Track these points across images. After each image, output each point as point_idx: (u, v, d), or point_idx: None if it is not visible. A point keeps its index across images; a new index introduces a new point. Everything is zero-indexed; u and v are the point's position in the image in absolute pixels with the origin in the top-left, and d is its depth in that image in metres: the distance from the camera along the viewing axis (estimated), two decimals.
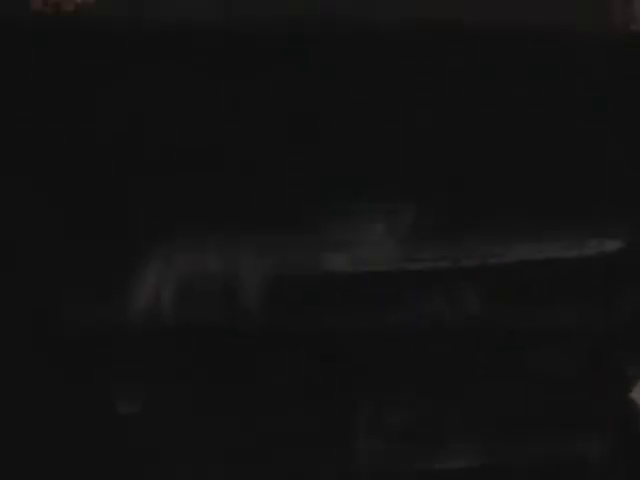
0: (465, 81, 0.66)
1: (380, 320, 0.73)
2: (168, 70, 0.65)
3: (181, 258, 0.68)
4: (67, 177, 0.67)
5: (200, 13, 0.67)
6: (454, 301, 0.75)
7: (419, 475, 0.77)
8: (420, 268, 0.71)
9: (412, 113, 0.67)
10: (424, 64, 0.66)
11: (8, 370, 0.67)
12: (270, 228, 0.69)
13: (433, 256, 0.71)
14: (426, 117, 0.67)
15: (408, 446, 0.77)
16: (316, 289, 0.71)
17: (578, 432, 0.81)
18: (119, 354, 0.69)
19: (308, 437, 0.75)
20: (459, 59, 0.65)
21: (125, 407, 0.70)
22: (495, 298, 0.76)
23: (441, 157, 0.68)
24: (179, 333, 0.69)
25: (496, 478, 0.79)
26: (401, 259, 0.71)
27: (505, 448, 0.80)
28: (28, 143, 0.67)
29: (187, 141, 0.66)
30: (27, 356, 0.68)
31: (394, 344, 0.75)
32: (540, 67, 0.66)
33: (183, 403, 0.72)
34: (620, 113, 0.70)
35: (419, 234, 0.70)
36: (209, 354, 0.71)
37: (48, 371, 0.68)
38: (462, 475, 0.79)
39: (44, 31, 0.67)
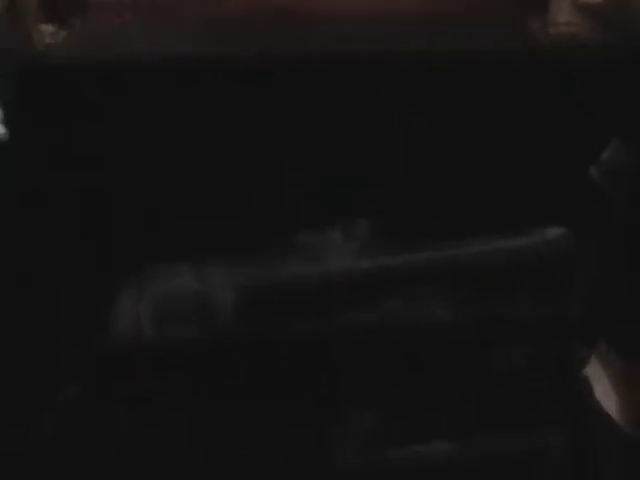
0: (408, 93, 0.69)
1: (347, 322, 0.77)
2: (139, 103, 0.67)
3: (157, 279, 0.71)
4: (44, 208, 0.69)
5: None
6: (415, 298, 0.79)
7: (389, 468, 0.81)
8: (380, 270, 0.76)
9: (362, 129, 0.70)
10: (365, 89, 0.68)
11: None
12: (238, 246, 0.72)
13: (392, 258, 0.75)
14: (374, 128, 0.70)
15: (380, 442, 0.80)
16: (286, 298, 0.75)
17: (535, 420, 0.84)
18: (105, 373, 0.72)
19: (286, 438, 0.78)
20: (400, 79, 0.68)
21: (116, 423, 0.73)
22: (452, 291, 0.79)
23: (391, 165, 0.72)
24: (160, 350, 0.72)
25: (462, 470, 0.82)
26: (362, 263, 0.75)
27: (469, 441, 0.83)
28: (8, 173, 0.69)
29: (159, 167, 0.69)
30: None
31: (363, 344, 0.78)
32: (470, 74, 0.68)
33: (167, 416, 0.75)
34: (559, 107, 0.73)
35: (377, 240, 0.74)
36: (189, 368, 0.74)
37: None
38: (430, 468, 0.81)
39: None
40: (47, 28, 0.71)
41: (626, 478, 0.96)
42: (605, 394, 1.00)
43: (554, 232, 0.80)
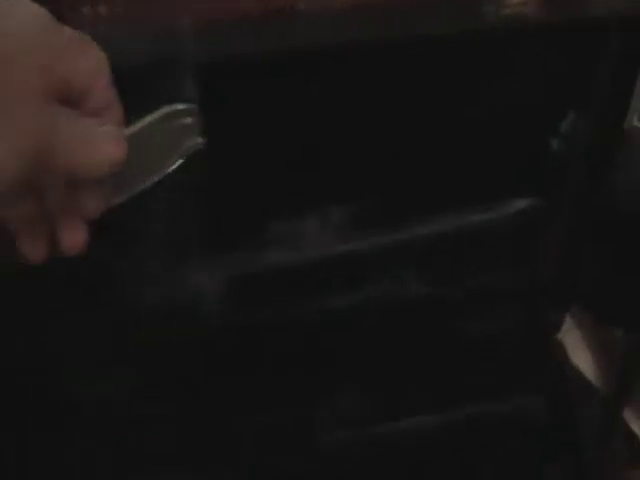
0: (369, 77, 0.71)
1: (328, 306, 0.80)
2: None
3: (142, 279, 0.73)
4: None
5: None
6: (391, 277, 0.81)
7: (375, 444, 0.84)
8: (356, 253, 0.79)
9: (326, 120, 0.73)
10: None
11: None
12: (215, 238, 0.74)
13: (366, 241, 0.78)
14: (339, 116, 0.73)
15: (365, 419, 0.84)
16: (266, 286, 0.77)
17: (512, 387, 0.88)
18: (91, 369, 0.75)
19: (272, 424, 0.81)
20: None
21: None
22: (426, 267, 0.82)
23: (360, 150, 0.74)
24: (145, 344, 0.75)
25: (445, 441, 0.85)
26: (337, 248, 0.78)
27: (450, 412, 0.86)
28: None
29: None
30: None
31: (344, 325, 0.82)
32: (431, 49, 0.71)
33: (156, 405, 0.78)
34: (517, 83, 0.75)
35: (351, 224, 0.77)
36: (175, 360, 0.77)
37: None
38: (414, 441, 0.85)
39: None
40: None
41: (602, 438, 0.99)
42: (580, 356, 1.03)
43: (521, 203, 0.83)
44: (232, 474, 0.79)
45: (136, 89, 0.53)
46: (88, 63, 0.49)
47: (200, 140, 0.54)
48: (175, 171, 0.56)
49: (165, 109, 0.52)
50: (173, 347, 0.76)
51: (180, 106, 0.52)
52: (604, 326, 1.00)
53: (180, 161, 0.54)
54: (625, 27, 0.70)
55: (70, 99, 0.48)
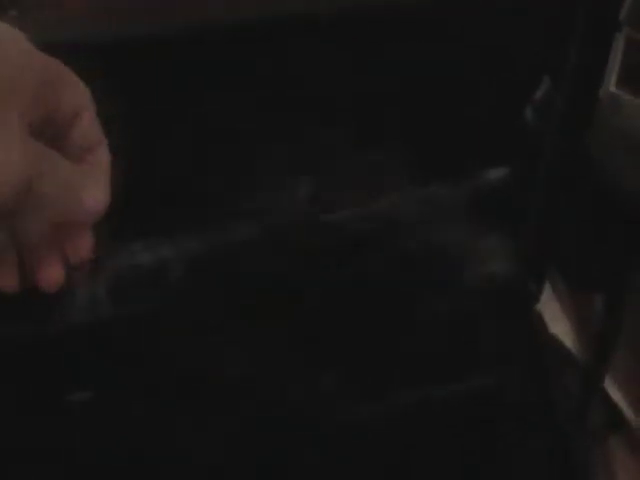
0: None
1: (306, 282, 0.78)
2: None
3: (107, 259, 0.72)
4: None
5: None
6: (368, 251, 0.80)
7: (355, 425, 0.82)
8: (329, 226, 0.77)
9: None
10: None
11: None
12: (186, 217, 0.73)
13: (335, 215, 0.77)
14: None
15: (344, 400, 0.81)
16: (239, 263, 0.76)
17: (491, 360, 0.85)
18: (60, 354, 0.72)
19: (242, 404, 0.79)
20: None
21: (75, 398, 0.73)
22: (400, 242, 0.81)
23: (328, 121, 0.73)
24: (117, 324, 0.72)
25: (425, 418, 0.84)
26: (309, 220, 0.77)
27: (425, 387, 0.84)
28: None
29: None
30: None
31: (325, 302, 0.79)
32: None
33: (131, 390, 0.75)
34: (491, 53, 0.74)
35: (321, 198, 0.76)
36: (147, 341, 0.74)
37: None
38: (394, 420, 0.83)
39: None
40: None
41: (582, 407, 0.99)
42: (559, 327, 1.03)
43: (494, 175, 0.81)
44: (206, 451, 0.78)
45: None
46: (72, 98, 0.48)
47: None
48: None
49: None
50: (138, 325, 0.74)
51: None
52: (583, 295, 1.00)
53: None
54: None
55: (54, 136, 0.46)
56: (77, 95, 0.49)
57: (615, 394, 1.03)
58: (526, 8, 0.70)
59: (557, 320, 1.01)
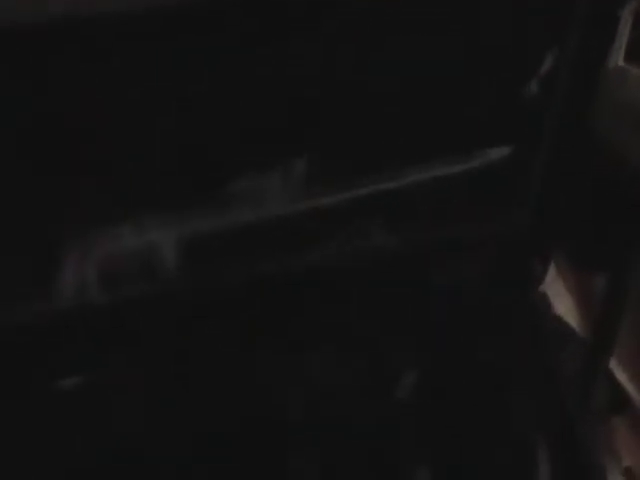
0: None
1: (295, 263, 0.77)
2: None
3: (96, 237, 0.70)
4: None
5: None
6: (360, 232, 0.78)
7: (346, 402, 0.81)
8: (321, 208, 0.75)
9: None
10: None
11: None
12: (175, 193, 0.71)
13: (333, 196, 0.75)
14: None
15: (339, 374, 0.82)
16: (230, 245, 0.74)
17: (496, 340, 0.85)
18: (53, 339, 0.71)
19: (238, 385, 0.78)
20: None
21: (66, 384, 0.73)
22: (397, 221, 0.79)
23: (322, 101, 0.71)
24: (108, 308, 0.72)
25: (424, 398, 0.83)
26: (301, 203, 0.75)
27: (426, 365, 0.84)
28: None
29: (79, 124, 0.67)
30: None
31: (313, 282, 0.78)
32: None
33: (121, 373, 0.75)
34: (492, 29, 0.72)
35: (314, 177, 0.74)
36: (139, 323, 0.73)
37: None
38: (389, 400, 0.82)
39: None
40: None
41: (586, 387, 0.98)
42: (563, 307, 1.01)
43: (498, 151, 0.79)
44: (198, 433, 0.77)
45: None
46: None
47: None
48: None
49: None
50: (131, 307, 0.73)
51: None
52: (586, 274, 0.98)
53: None
54: None
55: None
56: None
57: (619, 374, 1.01)
58: None
59: (561, 299, 0.99)
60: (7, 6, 0.56)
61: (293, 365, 0.79)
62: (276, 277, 0.76)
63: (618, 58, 0.84)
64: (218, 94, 0.67)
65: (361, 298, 0.80)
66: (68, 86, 0.62)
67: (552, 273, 0.93)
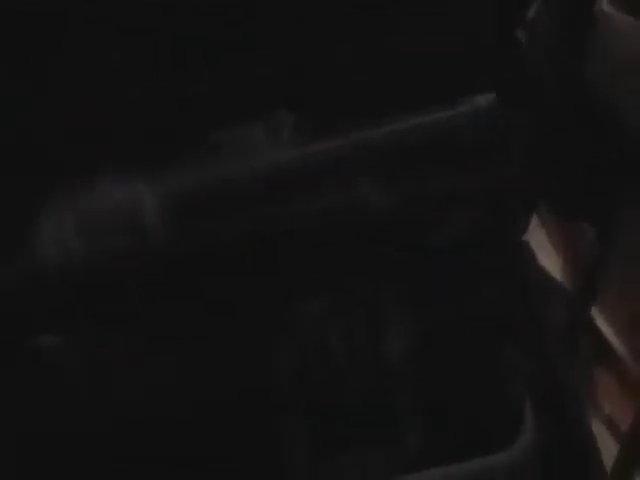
0: None
1: (281, 217, 0.75)
2: None
3: (77, 195, 0.68)
4: None
5: None
6: (346, 185, 0.77)
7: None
8: (308, 161, 0.73)
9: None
10: None
11: None
12: (157, 153, 0.69)
13: (318, 146, 0.73)
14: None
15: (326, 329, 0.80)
16: (214, 200, 0.72)
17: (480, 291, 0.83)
18: (35, 302, 0.70)
19: (224, 346, 0.77)
20: None
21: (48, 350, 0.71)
22: (384, 172, 0.77)
23: (303, 50, 0.68)
24: (92, 269, 0.69)
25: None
26: (287, 156, 0.72)
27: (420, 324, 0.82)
28: None
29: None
30: None
31: (301, 237, 0.76)
32: None
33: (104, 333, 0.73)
34: None
35: (300, 130, 0.72)
36: (122, 279, 0.71)
37: None
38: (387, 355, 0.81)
39: None
40: None
41: (569, 336, 0.98)
42: (546, 256, 1.01)
43: (483, 100, 0.78)
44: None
45: None
46: None
47: None
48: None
49: None
50: (113, 263, 0.71)
51: None
52: (569, 226, 0.98)
53: None
54: None
55: None
56: None
57: (602, 324, 1.02)
58: None
59: (544, 250, 0.99)
60: None
61: (282, 326, 0.77)
62: (263, 232, 0.74)
63: (602, 2, 0.82)
64: (198, 44, 0.65)
65: (348, 254, 0.78)
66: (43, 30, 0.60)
67: (535, 222, 0.92)
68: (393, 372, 0.81)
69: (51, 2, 0.62)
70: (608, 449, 0.88)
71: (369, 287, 0.80)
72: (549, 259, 1.00)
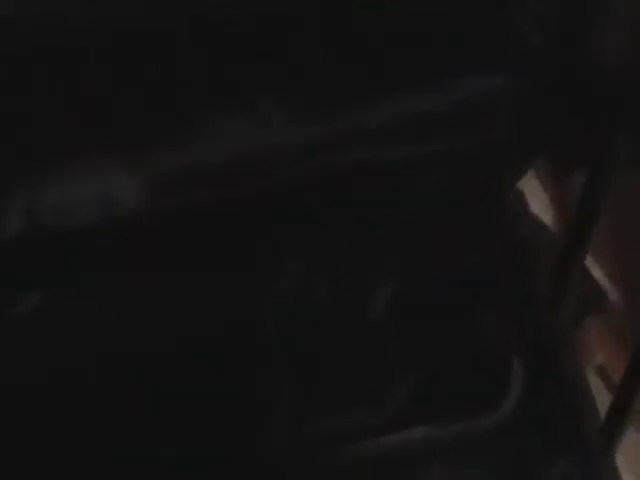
0: None
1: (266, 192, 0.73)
2: None
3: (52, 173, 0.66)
4: None
5: None
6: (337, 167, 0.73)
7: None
8: (288, 144, 0.70)
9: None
10: None
11: None
12: (135, 134, 0.66)
13: (302, 128, 0.70)
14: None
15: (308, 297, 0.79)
16: (192, 182, 0.69)
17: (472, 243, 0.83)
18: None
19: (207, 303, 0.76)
20: None
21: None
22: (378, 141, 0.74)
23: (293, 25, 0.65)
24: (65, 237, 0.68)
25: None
26: (266, 142, 0.70)
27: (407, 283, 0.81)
28: None
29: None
30: None
31: (290, 208, 0.74)
32: None
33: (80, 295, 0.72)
34: None
35: (281, 112, 0.68)
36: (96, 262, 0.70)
37: None
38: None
39: None
40: None
41: (561, 285, 0.96)
42: (539, 204, 0.99)
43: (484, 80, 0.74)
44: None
45: None
46: None
47: None
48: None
49: None
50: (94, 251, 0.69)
51: None
52: (563, 173, 0.95)
53: None
54: None
55: None
56: None
57: (596, 272, 1.00)
58: None
59: (537, 198, 0.97)
60: None
61: (263, 282, 0.76)
62: (240, 207, 0.72)
63: None
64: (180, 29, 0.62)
65: (330, 214, 0.76)
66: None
67: (529, 175, 0.90)
68: (378, 329, 0.80)
69: None
70: (602, 399, 0.88)
71: (353, 244, 0.79)
72: (542, 206, 0.98)
